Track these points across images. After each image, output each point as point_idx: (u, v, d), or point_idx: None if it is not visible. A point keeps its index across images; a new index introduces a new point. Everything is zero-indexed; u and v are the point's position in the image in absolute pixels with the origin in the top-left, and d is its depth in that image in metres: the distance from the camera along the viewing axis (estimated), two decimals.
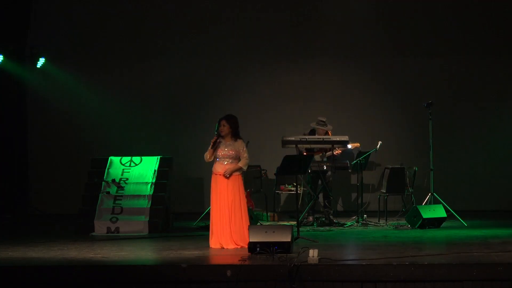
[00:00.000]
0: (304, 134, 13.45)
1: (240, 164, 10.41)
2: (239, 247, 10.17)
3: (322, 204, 13.34)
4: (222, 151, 10.38)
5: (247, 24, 15.68)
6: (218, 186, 10.39)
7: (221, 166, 10.40)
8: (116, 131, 15.67)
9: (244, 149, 10.46)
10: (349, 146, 13.50)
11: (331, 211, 13.30)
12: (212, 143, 10.38)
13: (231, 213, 10.31)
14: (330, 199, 13.32)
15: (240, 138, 10.48)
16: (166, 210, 12.71)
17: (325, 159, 13.29)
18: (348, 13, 15.53)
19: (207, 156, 10.44)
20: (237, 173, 10.42)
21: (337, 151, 13.33)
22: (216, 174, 10.44)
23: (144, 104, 15.67)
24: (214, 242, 10.33)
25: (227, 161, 10.39)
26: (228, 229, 10.29)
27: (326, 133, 13.42)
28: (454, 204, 13.35)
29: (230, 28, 15.68)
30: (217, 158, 10.43)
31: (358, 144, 13.69)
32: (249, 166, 10.86)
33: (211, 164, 10.57)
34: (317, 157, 13.26)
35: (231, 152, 10.38)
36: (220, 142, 10.42)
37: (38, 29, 15.52)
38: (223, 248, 10.23)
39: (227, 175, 10.34)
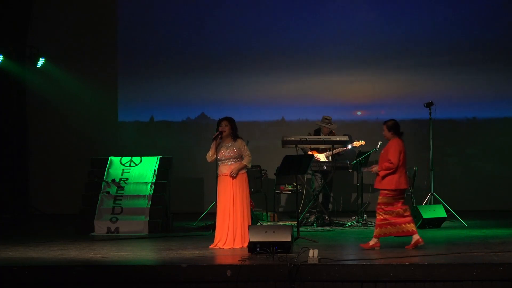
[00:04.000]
0: (309, 134, 13.46)
1: (244, 162, 10.45)
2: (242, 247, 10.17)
3: (321, 204, 13.33)
4: (224, 152, 10.40)
5: (249, 24, 15.67)
6: (225, 187, 10.39)
7: (226, 167, 10.41)
8: (116, 131, 15.68)
9: (245, 147, 10.51)
10: (349, 146, 13.50)
11: (327, 213, 13.26)
12: (214, 137, 10.39)
13: (238, 213, 10.31)
14: (329, 201, 13.31)
15: (239, 137, 10.50)
16: (166, 210, 12.71)
17: (329, 158, 13.30)
18: (350, 14, 15.53)
19: (210, 153, 10.43)
20: (243, 171, 10.44)
21: (343, 149, 13.30)
22: (222, 176, 10.44)
23: (144, 103, 15.67)
24: (220, 243, 10.33)
25: (231, 162, 10.40)
26: (236, 229, 10.28)
27: (331, 132, 13.44)
28: (454, 204, 13.36)
29: (231, 28, 15.67)
30: (220, 160, 10.44)
31: (364, 142, 13.55)
32: (367, 169, 10.82)
33: (211, 164, 10.57)
34: (323, 158, 13.26)
35: (233, 153, 10.39)
36: (219, 143, 10.43)
37: (38, 29, 15.52)
38: (225, 248, 10.22)
39: (234, 175, 10.35)
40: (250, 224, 10.37)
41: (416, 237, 9.93)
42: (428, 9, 15.53)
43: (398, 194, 9.97)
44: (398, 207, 9.92)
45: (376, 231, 10.02)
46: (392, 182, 9.92)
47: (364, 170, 10.44)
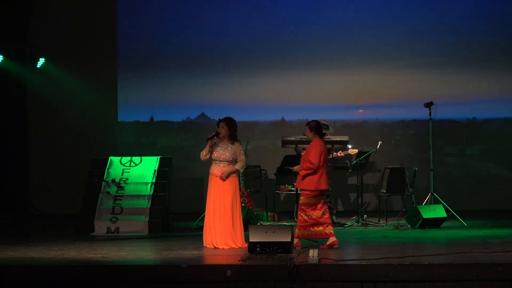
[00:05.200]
0: (304, 134, 13.44)
1: (237, 167, 10.45)
2: (236, 247, 10.18)
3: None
4: (219, 153, 10.40)
5: (249, 24, 15.67)
6: (215, 187, 10.40)
7: (218, 168, 10.41)
8: (116, 131, 15.68)
9: (241, 151, 10.51)
10: (349, 146, 13.50)
11: (334, 211, 13.28)
12: (209, 137, 10.39)
13: (227, 214, 10.32)
14: (331, 199, 13.30)
15: (238, 141, 10.51)
16: (166, 210, 12.71)
17: None
18: (350, 14, 15.53)
19: (203, 152, 10.43)
20: (234, 174, 10.44)
21: (340, 154, 13.32)
22: (213, 176, 10.45)
23: (144, 103, 15.67)
24: (208, 242, 10.35)
25: (224, 164, 10.39)
26: (223, 229, 10.29)
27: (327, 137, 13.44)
28: (454, 204, 13.36)
29: (231, 29, 15.67)
30: (214, 160, 10.44)
31: (357, 150, 13.62)
32: (249, 166, 10.97)
33: (210, 164, 10.57)
34: None
35: (228, 155, 10.39)
36: (216, 143, 10.43)
37: (38, 29, 15.53)
38: (216, 248, 10.24)
39: (224, 178, 10.35)
40: (241, 225, 10.41)
41: (332, 239, 10.14)
42: (428, 9, 15.52)
43: (319, 195, 10.20)
44: (318, 208, 10.15)
45: (297, 231, 10.24)
46: (312, 183, 10.14)
47: (292, 169, 10.82)
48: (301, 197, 10.29)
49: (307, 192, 10.18)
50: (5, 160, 15.18)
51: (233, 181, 10.44)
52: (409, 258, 8.91)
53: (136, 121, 15.84)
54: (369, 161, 13.82)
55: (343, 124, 15.36)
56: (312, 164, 10.08)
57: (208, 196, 10.46)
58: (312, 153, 10.12)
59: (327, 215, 10.21)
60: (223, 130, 10.39)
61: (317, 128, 10.31)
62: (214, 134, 10.41)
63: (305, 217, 10.17)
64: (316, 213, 10.16)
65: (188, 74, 15.66)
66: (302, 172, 10.19)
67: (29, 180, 15.72)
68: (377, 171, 15.10)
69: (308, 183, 10.15)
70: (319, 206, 10.18)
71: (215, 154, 10.41)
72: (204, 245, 10.36)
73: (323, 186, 10.17)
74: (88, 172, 13.19)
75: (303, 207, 10.21)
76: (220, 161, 10.40)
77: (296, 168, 10.43)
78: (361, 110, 15.66)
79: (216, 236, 10.29)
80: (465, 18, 15.55)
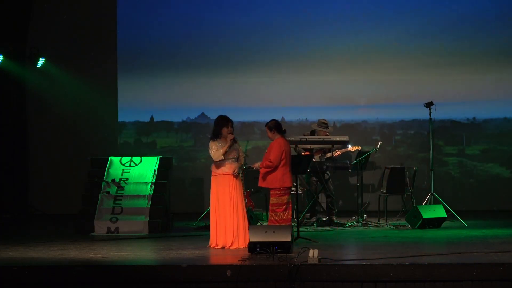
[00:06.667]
0: (304, 135, 13.44)
1: (242, 162, 10.69)
2: (245, 247, 10.18)
3: (325, 205, 13.32)
4: (229, 152, 10.46)
5: (249, 24, 15.68)
6: (223, 186, 10.42)
7: (228, 167, 10.45)
8: (116, 131, 15.68)
9: (240, 147, 10.73)
10: (349, 146, 13.49)
11: (335, 211, 13.26)
12: (230, 140, 10.41)
13: (238, 213, 10.35)
14: (333, 199, 13.29)
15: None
16: (166, 210, 12.71)
17: (323, 160, 13.28)
18: (350, 14, 15.53)
19: (221, 152, 10.39)
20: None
21: (337, 153, 13.32)
22: (223, 175, 10.43)
23: (144, 103, 15.68)
24: (218, 242, 10.33)
25: (233, 161, 10.51)
26: (236, 229, 10.32)
27: (326, 135, 13.42)
28: (454, 204, 13.36)
29: (230, 29, 15.67)
30: (225, 159, 10.46)
31: (359, 147, 13.65)
32: (249, 166, 11.10)
33: (211, 164, 10.57)
34: (316, 158, 13.24)
35: (235, 153, 10.54)
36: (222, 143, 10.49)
37: (38, 29, 15.53)
38: (229, 248, 10.23)
39: (237, 174, 10.44)
40: (247, 223, 10.45)
41: None
42: (428, 9, 15.52)
43: (287, 193, 10.46)
44: (289, 208, 10.46)
45: None
46: (276, 181, 10.41)
47: (252, 166, 11.00)
48: (271, 198, 10.49)
49: (275, 192, 10.40)
50: (5, 160, 15.18)
51: (239, 178, 10.57)
52: (409, 258, 8.91)
53: (136, 121, 15.85)
54: (369, 161, 13.81)
55: (343, 124, 15.36)
56: (271, 162, 10.32)
57: (217, 196, 10.43)
58: (273, 152, 10.37)
59: (290, 216, 10.50)
60: (232, 130, 10.52)
61: (277, 126, 10.53)
62: (233, 136, 10.49)
63: (276, 217, 10.38)
64: (286, 214, 10.38)
65: (188, 74, 15.67)
66: (262, 170, 10.42)
67: (29, 180, 15.72)
68: (377, 171, 15.10)
69: (271, 182, 10.40)
70: (290, 206, 10.46)
71: (226, 154, 10.46)
72: (212, 246, 10.32)
73: (288, 183, 10.43)
74: (88, 172, 13.19)
75: (274, 208, 10.42)
76: (230, 159, 10.50)
77: (256, 165, 10.72)
78: (362, 105, 15.66)
79: (231, 236, 10.31)
80: (465, 18, 15.55)
